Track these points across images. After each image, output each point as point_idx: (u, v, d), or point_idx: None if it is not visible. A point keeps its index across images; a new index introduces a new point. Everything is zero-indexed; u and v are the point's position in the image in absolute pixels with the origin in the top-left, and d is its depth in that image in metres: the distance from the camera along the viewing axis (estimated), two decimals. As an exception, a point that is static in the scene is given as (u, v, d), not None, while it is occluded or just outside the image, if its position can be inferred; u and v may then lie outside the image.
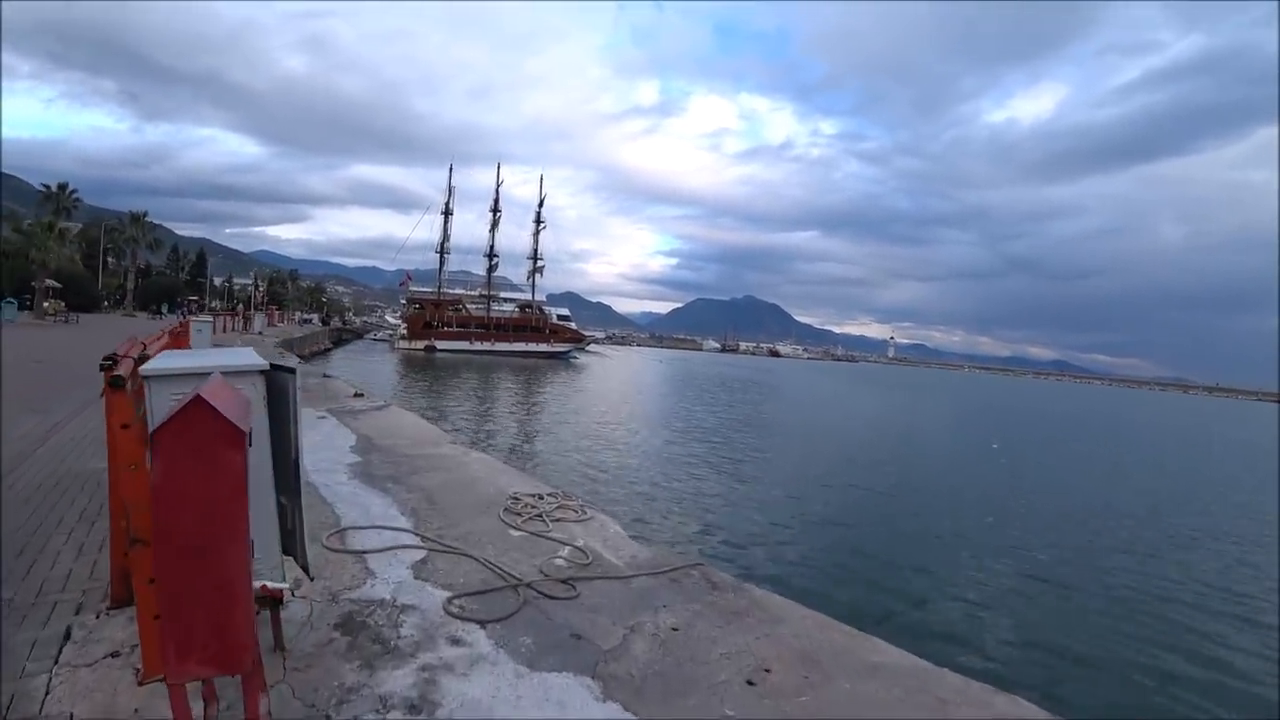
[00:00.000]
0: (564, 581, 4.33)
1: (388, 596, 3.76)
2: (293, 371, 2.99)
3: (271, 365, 2.95)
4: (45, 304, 37.28)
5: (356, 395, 12.48)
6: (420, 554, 4.53)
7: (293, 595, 3.46)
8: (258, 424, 2.71)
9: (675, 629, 3.88)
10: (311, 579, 3.29)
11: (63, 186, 61.23)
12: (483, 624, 3.56)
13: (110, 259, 69.56)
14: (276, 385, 2.99)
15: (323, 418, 9.62)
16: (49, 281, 39.15)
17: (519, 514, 5.73)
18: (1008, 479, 19.02)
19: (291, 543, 3.18)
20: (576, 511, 6.13)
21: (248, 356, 2.87)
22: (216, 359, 2.88)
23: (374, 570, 4.14)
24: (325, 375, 16.34)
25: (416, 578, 4.10)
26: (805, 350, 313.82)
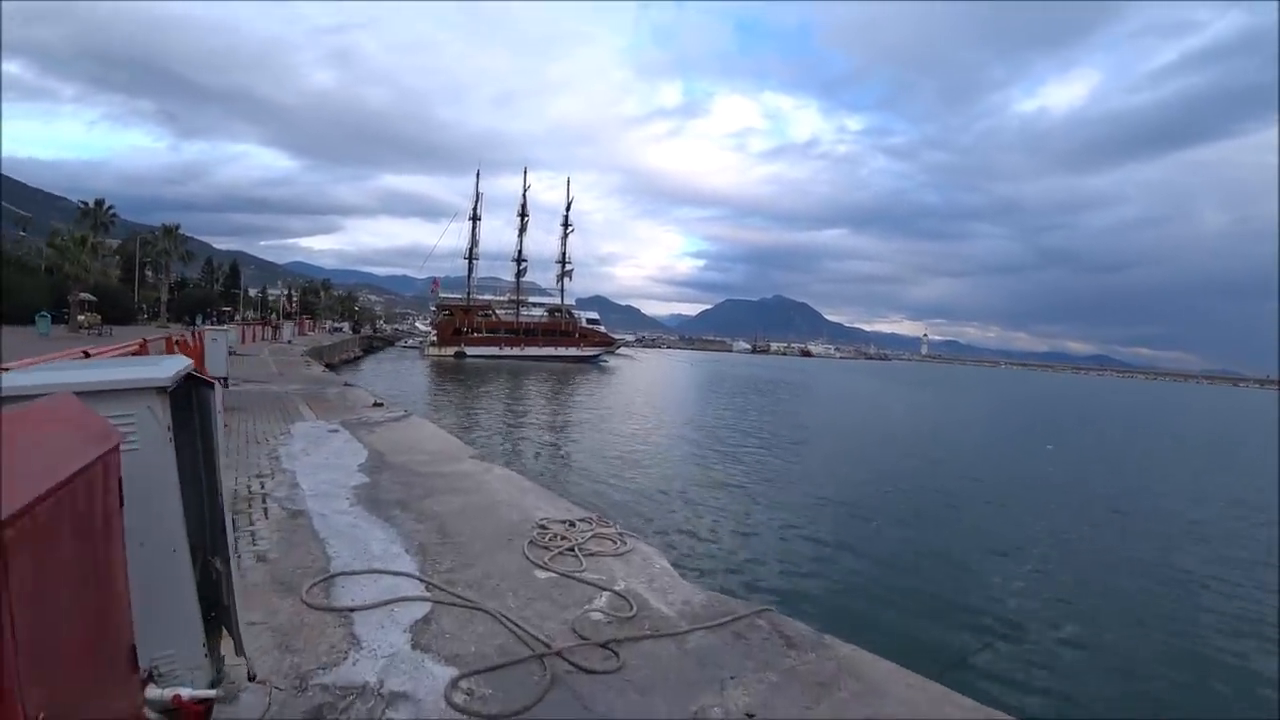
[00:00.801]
0: (603, 645, 3.40)
1: (373, 680, 2.85)
2: (212, 386, 2.11)
3: (186, 377, 2.08)
4: (80, 317, 37.58)
5: (376, 405, 11.73)
6: (423, 608, 3.63)
7: (238, 690, 2.57)
8: (145, 467, 1.83)
9: (751, 716, 2.93)
10: (252, 678, 2.40)
11: (100, 203, 62.30)
12: (496, 723, 2.65)
13: (149, 272, 70.74)
14: (193, 407, 2.11)
15: (334, 431, 8.85)
16: (84, 295, 39.50)
17: (546, 547, 4.83)
18: (1076, 486, 17.64)
19: (226, 620, 2.30)
20: (614, 542, 5.22)
21: (145, 369, 1.98)
22: (94, 372, 1.99)
23: (361, 637, 3.24)
24: (346, 384, 15.65)
25: (415, 646, 3.20)
26: (837, 349, 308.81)
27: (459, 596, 3.79)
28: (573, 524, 5.52)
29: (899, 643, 7.12)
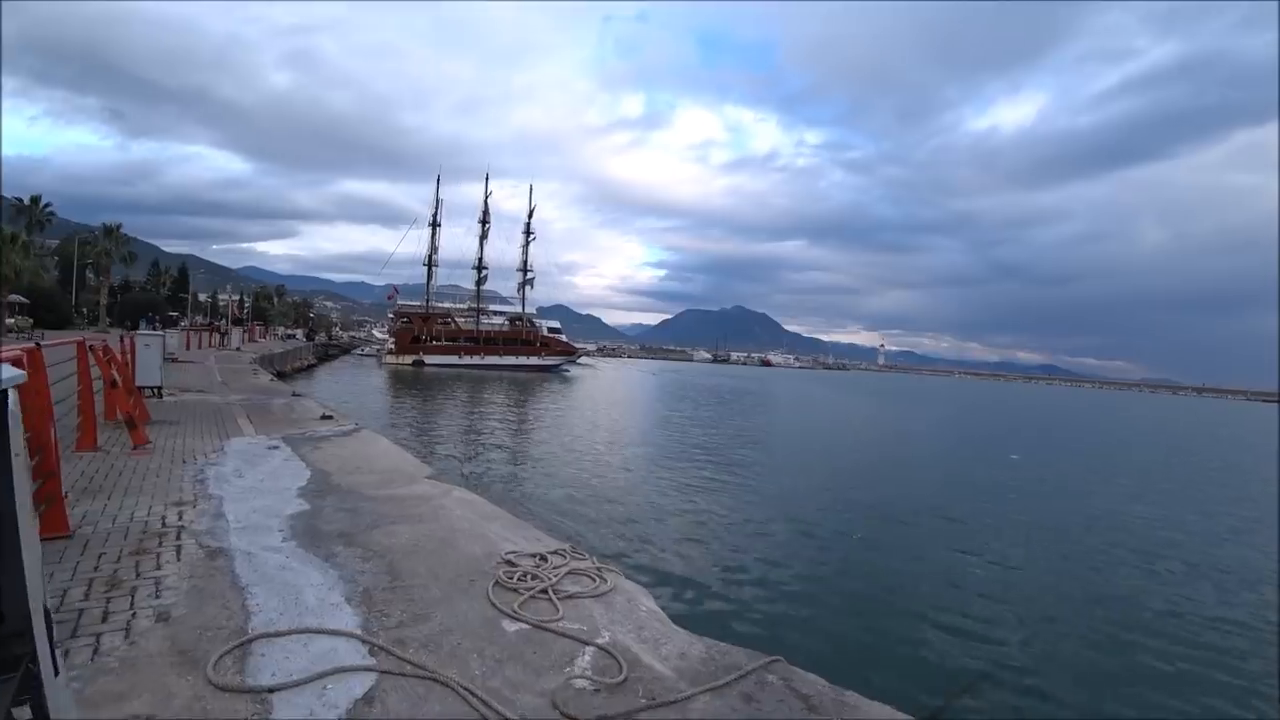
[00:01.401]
0: (592, 728, 2.73)
1: (290, 805, 2.13)
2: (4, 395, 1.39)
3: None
4: (10, 320, 35.40)
5: (324, 418, 10.82)
6: (366, 681, 2.90)
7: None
8: None
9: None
10: None
11: (35, 200, 59.27)
12: None
13: (90, 275, 67.50)
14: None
15: (274, 448, 7.96)
16: (14, 298, 37.25)
17: (515, 589, 4.13)
18: (1049, 495, 17.49)
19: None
20: (592, 578, 4.55)
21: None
22: None
23: (280, 730, 2.51)
24: (295, 395, 14.60)
25: (352, 741, 2.48)
26: (796, 359, 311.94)
27: (411, 663, 3.06)
28: (544, 558, 4.82)
29: (900, 678, 6.58)
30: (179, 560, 4.09)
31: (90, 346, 7.01)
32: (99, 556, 4.10)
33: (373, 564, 4.31)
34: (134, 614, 3.34)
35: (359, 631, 3.32)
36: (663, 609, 4.40)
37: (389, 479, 6.83)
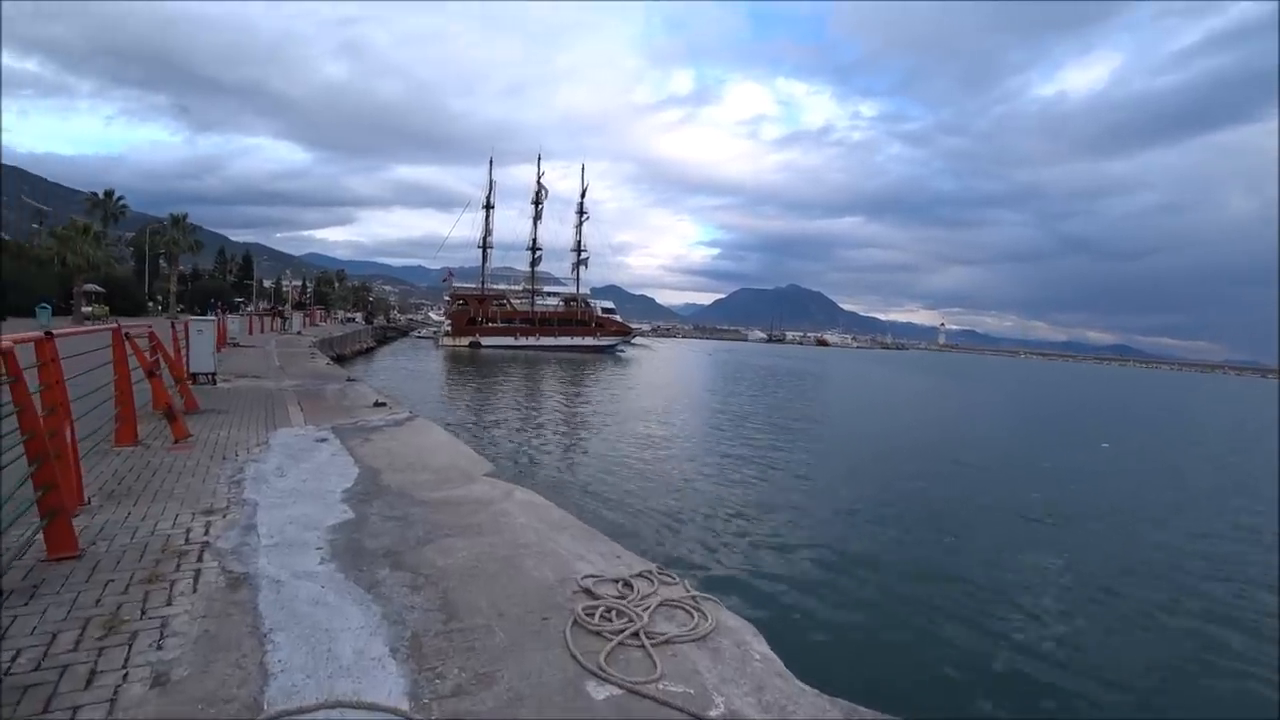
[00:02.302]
0: None
1: None
2: None
3: None
4: (87, 308, 36.54)
5: (377, 405, 10.24)
6: (412, 791, 2.10)
7: None
8: None
9: None
10: None
11: (109, 194, 61.40)
12: None
13: (163, 264, 69.90)
14: None
15: (322, 440, 7.34)
16: (91, 286, 38.45)
17: (599, 631, 3.31)
18: (1159, 494, 15.91)
19: None
20: (688, 612, 3.72)
21: None
22: None
23: None
24: (349, 380, 14.15)
25: None
26: (854, 339, 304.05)
27: (472, 759, 2.26)
28: (627, 584, 3.99)
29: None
30: (195, 591, 3.39)
31: (126, 334, 6.45)
32: (105, 585, 3.43)
33: (424, 595, 3.54)
34: (126, 674, 2.63)
35: (405, 705, 2.53)
36: (776, 652, 3.53)
37: (444, 477, 6.11)
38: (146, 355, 7.51)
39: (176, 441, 6.79)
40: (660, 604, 3.79)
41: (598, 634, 3.32)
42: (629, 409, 25.54)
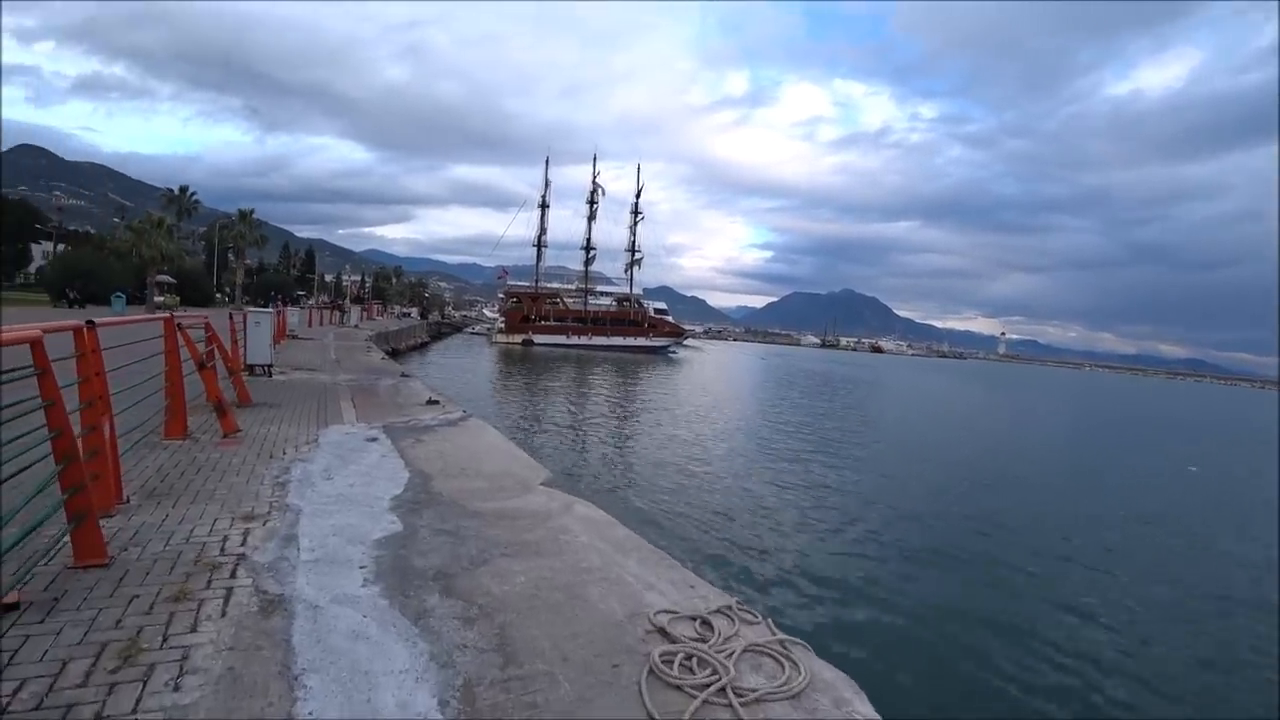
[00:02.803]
0: None
1: None
2: None
3: None
4: (159, 298, 37.87)
5: (430, 403, 9.95)
6: None
7: None
8: None
9: None
10: None
11: (184, 189, 63.89)
12: None
13: (231, 257, 72.52)
14: None
15: (373, 440, 7.02)
16: (163, 277, 39.87)
17: (680, 684, 2.81)
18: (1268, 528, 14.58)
19: None
20: (777, 660, 3.22)
21: None
22: None
23: None
24: (403, 375, 13.99)
25: None
26: (910, 346, 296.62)
27: None
28: (705, 622, 3.47)
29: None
30: (223, 615, 3.00)
31: (178, 324, 6.23)
32: (129, 602, 3.08)
33: (478, 630, 3.09)
34: (134, 721, 2.23)
35: (454, 784, 2.06)
36: (873, 707, 2.98)
37: (499, 485, 5.68)
38: (200, 346, 7.34)
39: (225, 436, 6.56)
40: (745, 649, 3.26)
41: (678, 688, 2.81)
42: (684, 414, 24.95)
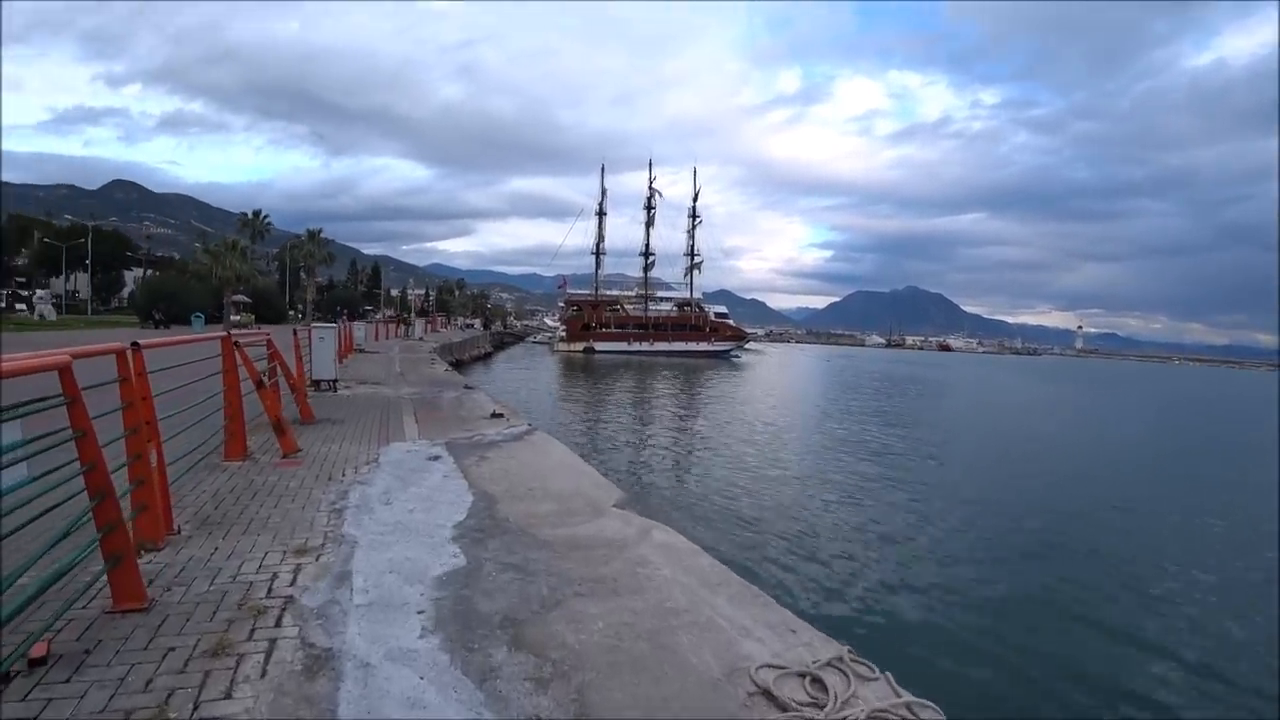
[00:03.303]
0: None
1: None
2: None
3: None
4: (235, 316, 39.37)
5: (495, 415, 9.63)
6: None
7: None
8: None
9: None
10: None
11: (257, 213, 66.80)
12: None
13: (303, 275, 75.38)
14: None
15: (435, 458, 6.68)
16: (238, 297, 41.48)
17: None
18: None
19: None
20: (909, 730, 2.61)
21: None
22: None
23: None
24: (466, 387, 13.79)
25: None
26: (980, 343, 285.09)
27: None
28: (818, 681, 2.91)
29: None
30: (263, 676, 2.60)
31: (236, 343, 6.03)
32: (162, 657, 2.72)
33: (553, 694, 2.60)
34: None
35: None
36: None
37: (568, 508, 5.23)
38: (261, 364, 7.18)
39: (285, 456, 6.32)
40: (867, 718, 2.68)
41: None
42: (754, 423, 23.96)
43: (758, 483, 13.64)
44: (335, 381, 11.91)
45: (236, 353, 6.05)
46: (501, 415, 9.63)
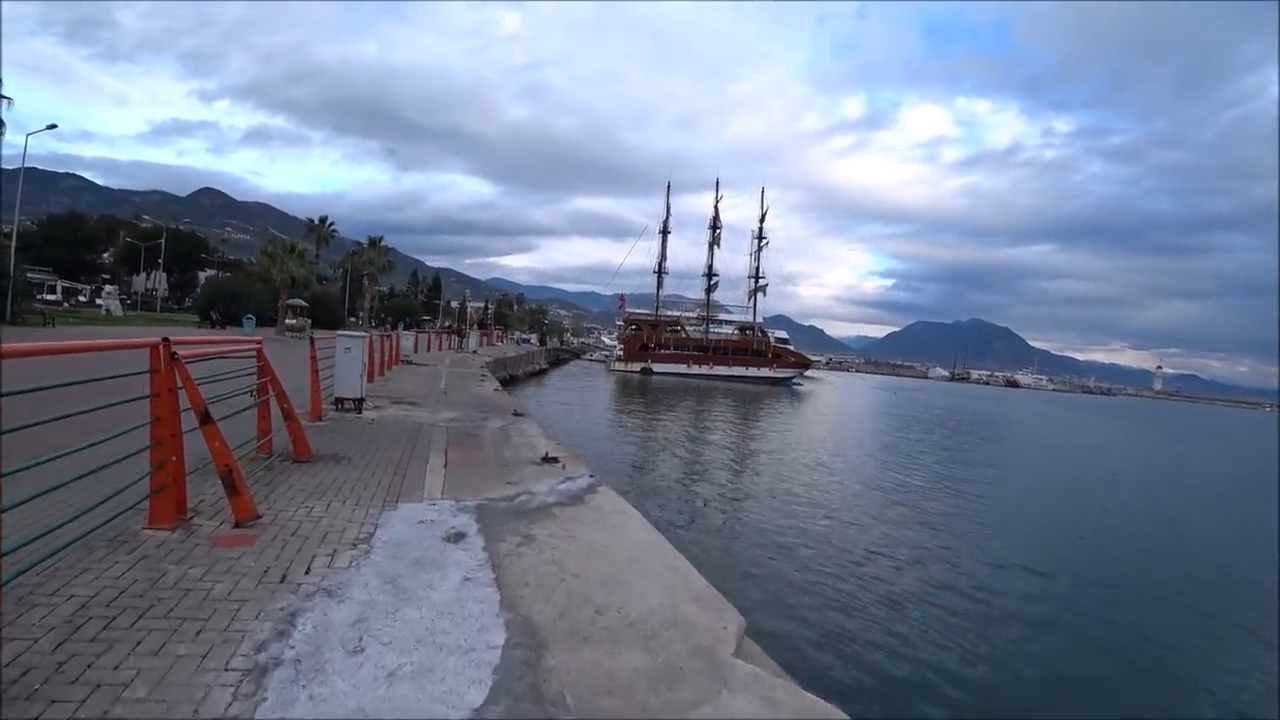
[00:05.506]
0: None
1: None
2: None
3: None
4: (290, 321, 38.68)
5: (547, 460, 7.47)
6: None
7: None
8: None
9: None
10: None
11: (323, 220, 67.37)
12: None
13: (365, 282, 75.89)
14: None
15: (458, 537, 4.51)
16: (295, 301, 40.86)
17: None
18: None
19: None
20: None
21: None
22: None
23: None
24: (515, 414, 11.59)
25: None
26: (1049, 380, 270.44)
27: None
28: None
29: None
30: None
31: (173, 354, 4.02)
32: None
33: None
34: None
35: None
36: None
37: (664, 661, 3.00)
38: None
39: (237, 524, 4.28)
40: None
41: None
42: (842, 465, 20.78)
43: (891, 573, 10.30)
44: (361, 401, 9.99)
45: (174, 369, 4.05)
46: (556, 459, 7.47)
